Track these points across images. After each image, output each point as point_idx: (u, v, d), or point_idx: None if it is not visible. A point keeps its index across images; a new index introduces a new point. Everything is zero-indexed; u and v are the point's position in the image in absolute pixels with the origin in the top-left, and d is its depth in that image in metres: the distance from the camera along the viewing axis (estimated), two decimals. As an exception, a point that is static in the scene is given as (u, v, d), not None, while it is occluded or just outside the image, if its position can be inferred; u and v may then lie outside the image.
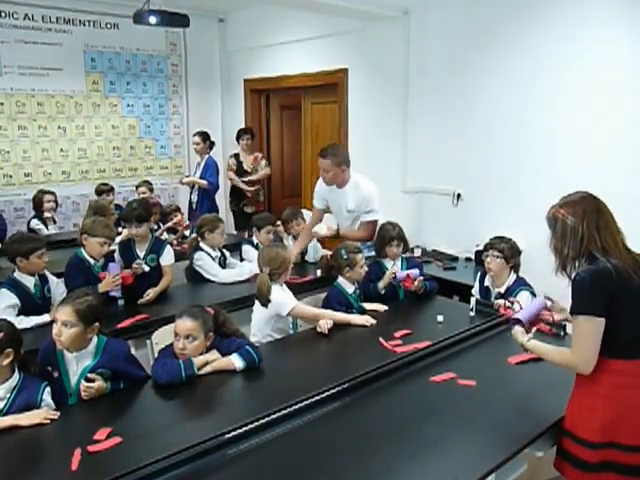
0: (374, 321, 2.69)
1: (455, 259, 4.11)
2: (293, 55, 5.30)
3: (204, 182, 5.16)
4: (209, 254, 3.45)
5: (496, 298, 2.91)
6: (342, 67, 4.83)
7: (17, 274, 2.76)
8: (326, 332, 2.54)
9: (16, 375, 1.93)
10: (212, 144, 5.39)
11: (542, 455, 1.83)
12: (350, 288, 2.91)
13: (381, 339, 2.46)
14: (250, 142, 5.53)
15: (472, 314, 2.78)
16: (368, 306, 2.90)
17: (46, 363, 2.07)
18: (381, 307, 2.90)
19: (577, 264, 1.73)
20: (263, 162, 5.60)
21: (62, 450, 1.68)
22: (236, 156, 5.60)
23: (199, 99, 6.08)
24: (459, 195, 4.25)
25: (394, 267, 3.13)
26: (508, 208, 3.89)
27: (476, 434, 1.78)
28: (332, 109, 5.07)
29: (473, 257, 3.97)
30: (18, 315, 2.66)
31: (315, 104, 5.44)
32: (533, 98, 3.70)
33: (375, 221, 3.46)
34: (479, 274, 3.14)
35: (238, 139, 5.54)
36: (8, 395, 1.89)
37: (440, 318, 2.70)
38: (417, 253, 4.13)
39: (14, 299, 2.67)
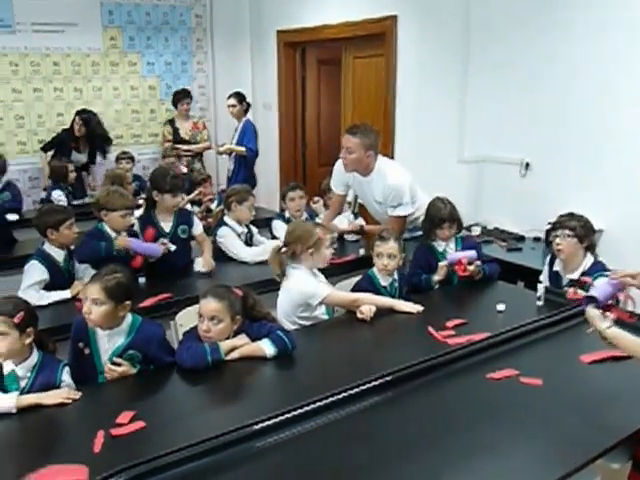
0: (422, 308, 2.66)
1: (521, 239, 4.01)
2: (333, 1, 5.21)
3: (242, 149, 5.22)
4: (234, 229, 3.50)
5: (568, 286, 2.82)
6: (390, 14, 4.72)
7: (47, 246, 2.96)
8: (369, 319, 2.54)
9: (35, 354, 2.05)
10: (249, 106, 5.45)
11: (619, 468, 1.79)
12: (386, 280, 2.84)
13: (431, 329, 2.44)
14: (190, 106, 5.59)
15: (539, 303, 2.71)
16: (401, 307, 2.69)
17: (78, 340, 2.20)
18: (414, 308, 2.67)
19: None
20: (205, 132, 5.68)
21: (85, 431, 1.79)
22: (171, 122, 5.66)
23: (226, 55, 6.10)
24: (528, 165, 4.11)
25: (448, 249, 3.06)
26: (587, 181, 3.73)
27: (539, 439, 1.75)
28: (378, 63, 4.97)
29: (543, 237, 3.85)
30: (44, 289, 2.87)
31: (358, 58, 5.35)
32: (624, 53, 3.49)
33: (404, 216, 3.39)
34: (548, 257, 3.05)
35: (176, 103, 5.62)
36: (28, 374, 2.01)
37: (501, 307, 2.65)
38: (476, 232, 4.05)
39: (44, 274, 2.88)
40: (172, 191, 3.26)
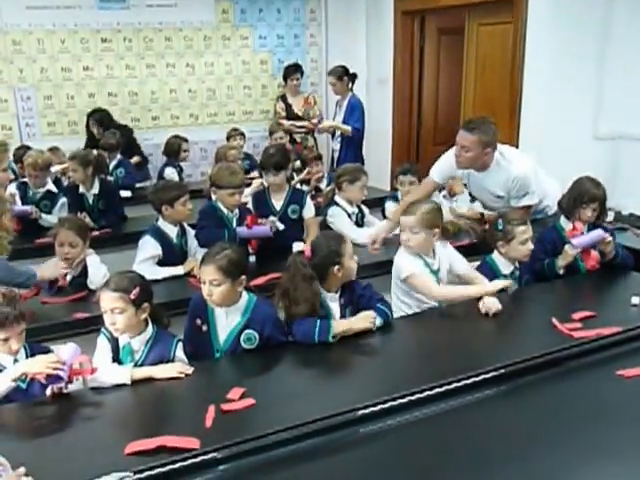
0: (509, 282, 2.71)
1: (660, 227, 3.81)
2: (456, -36, 5.13)
3: (347, 128, 5.14)
4: (345, 209, 3.62)
5: None
6: (521, -25, 4.58)
7: (161, 222, 3.21)
8: (491, 314, 2.52)
9: (150, 328, 2.25)
10: (354, 79, 5.33)
11: None
12: (507, 268, 2.84)
13: (554, 320, 2.42)
14: (300, 81, 5.68)
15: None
16: (489, 288, 2.67)
17: (195, 316, 2.38)
18: (501, 284, 2.69)
19: None
20: (317, 108, 5.82)
21: (196, 405, 1.95)
22: (283, 98, 5.74)
23: (340, 26, 6.14)
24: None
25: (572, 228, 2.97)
26: None
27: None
28: (505, 32, 4.84)
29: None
30: (157, 265, 3.10)
31: (483, 25, 5.22)
32: None
33: (531, 206, 3.31)
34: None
35: (286, 78, 5.72)
36: (143, 348, 2.22)
37: (636, 300, 2.57)
38: (609, 218, 3.88)
39: (157, 249, 3.12)
40: (271, 169, 3.38)
